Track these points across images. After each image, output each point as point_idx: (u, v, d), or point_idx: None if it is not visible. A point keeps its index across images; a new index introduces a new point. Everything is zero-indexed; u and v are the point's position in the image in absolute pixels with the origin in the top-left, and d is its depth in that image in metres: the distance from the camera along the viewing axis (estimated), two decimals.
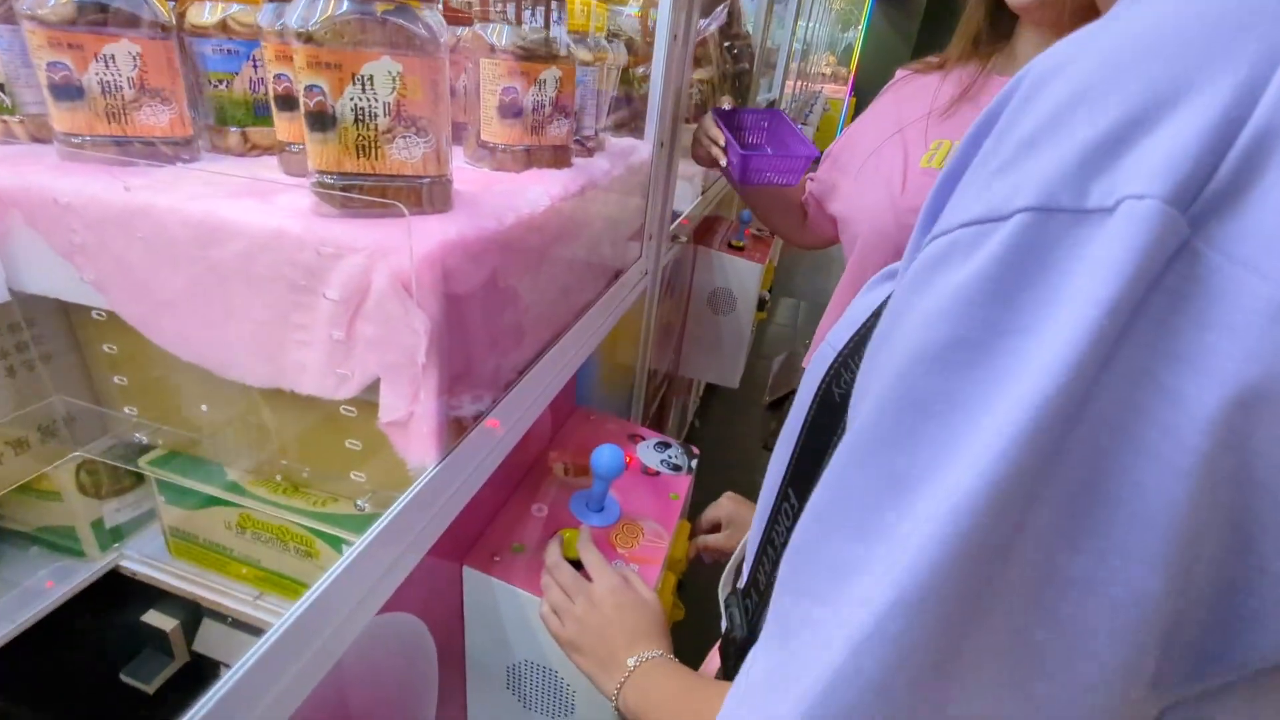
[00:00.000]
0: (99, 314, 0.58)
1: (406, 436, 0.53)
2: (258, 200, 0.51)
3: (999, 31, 0.82)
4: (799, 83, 3.87)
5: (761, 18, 2.17)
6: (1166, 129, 0.19)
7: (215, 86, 0.63)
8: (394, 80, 0.46)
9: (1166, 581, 0.19)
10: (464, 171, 0.69)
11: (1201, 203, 0.18)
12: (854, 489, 0.24)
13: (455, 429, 0.57)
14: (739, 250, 1.77)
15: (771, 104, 2.61)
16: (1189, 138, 0.18)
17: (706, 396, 2.80)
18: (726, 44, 1.86)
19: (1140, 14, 0.22)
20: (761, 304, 1.84)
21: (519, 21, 0.66)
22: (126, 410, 0.64)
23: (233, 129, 0.65)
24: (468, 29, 0.68)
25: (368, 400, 0.53)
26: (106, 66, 0.53)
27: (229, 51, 0.62)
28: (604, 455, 0.73)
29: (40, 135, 0.61)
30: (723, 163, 1.05)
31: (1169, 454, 0.18)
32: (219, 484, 0.65)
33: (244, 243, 0.49)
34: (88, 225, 0.52)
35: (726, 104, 1.78)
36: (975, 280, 0.21)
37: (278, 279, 0.50)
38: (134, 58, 0.54)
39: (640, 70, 1.17)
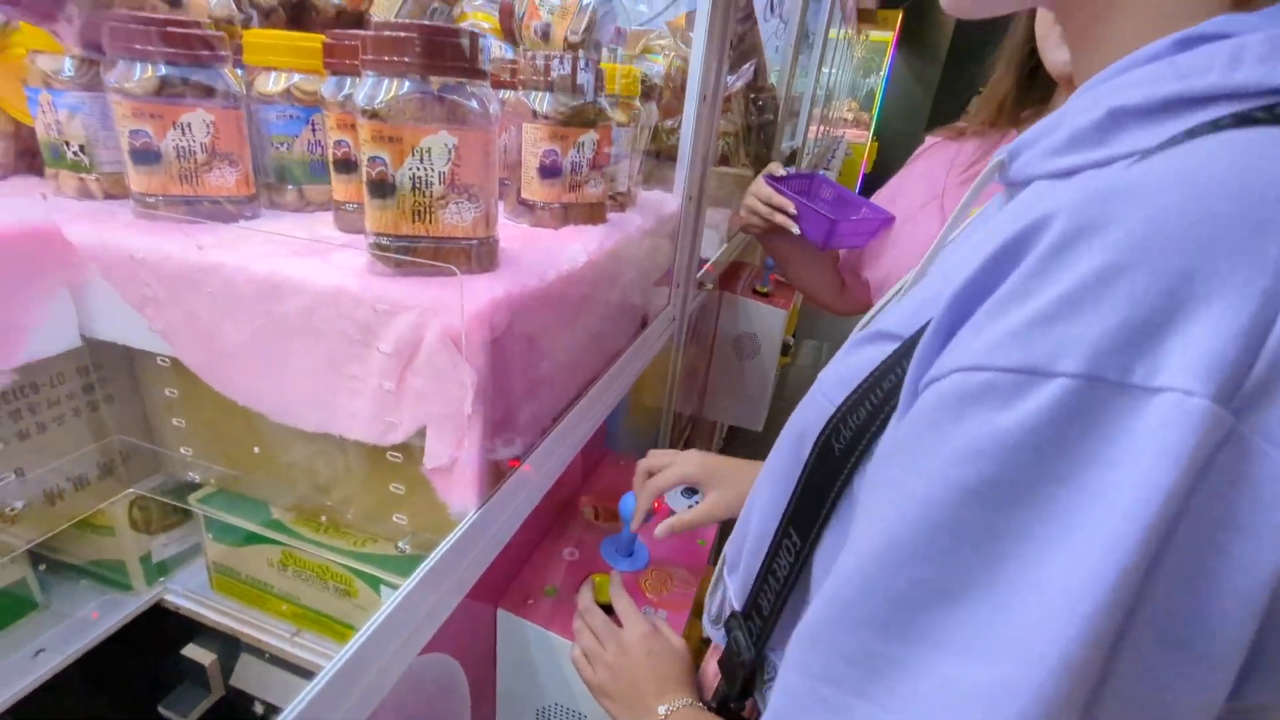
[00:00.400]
0: (163, 360, 0.61)
1: (449, 482, 0.55)
2: (318, 259, 0.55)
3: (1029, 98, 0.83)
4: (821, 128, 3.94)
5: (787, 68, 2.23)
6: (1202, 325, 0.22)
7: (277, 148, 0.67)
8: (449, 152, 0.50)
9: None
10: (506, 227, 0.72)
11: (1241, 397, 0.21)
12: (887, 593, 0.26)
13: (494, 474, 0.59)
14: (764, 296, 1.79)
15: (793, 152, 2.66)
16: (1226, 339, 0.21)
17: (730, 439, 2.80)
18: (752, 96, 1.92)
19: (1171, 182, 0.24)
20: (785, 349, 1.85)
21: (560, 88, 0.70)
22: (182, 450, 0.67)
23: (290, 186, 0.69)
24: (511, 93, 0.73)
25: (413, 445, 0.56)
26: (183, 133, 0.58)
27: (291, 117, 0.66)
28: (632, 502, 0.74)
29: (113, 192, 0.66)
30: (794, 230, 1.04)
31: (1232, 608, 0.22)
32: (263, 522, 0.68)
33: (306, 299, 0.52)
34: (160, 279, 0.56)
35: (745, 154, 1.82)
36: (1020, 430, 0.23)
37: (335, 333, 0.53)
38: (208, 125, 0.58)
39: (669, 123, 1.22)
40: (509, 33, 0.97)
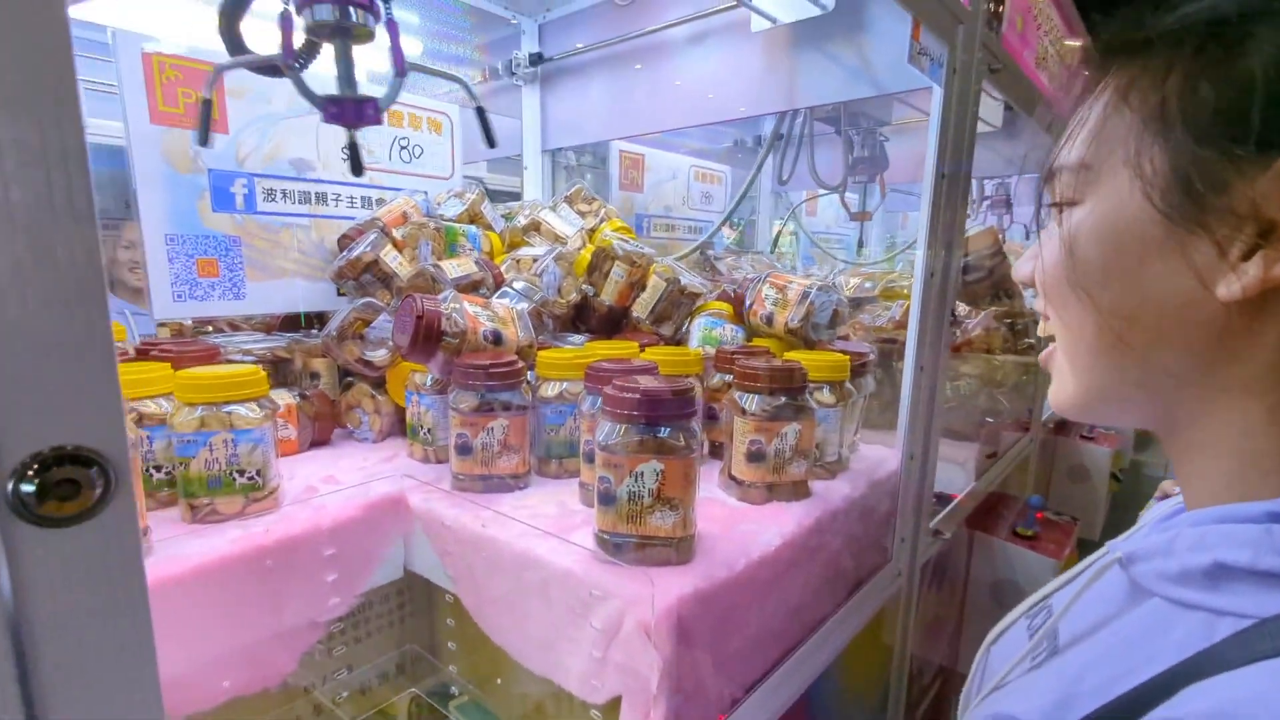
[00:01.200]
0: (449, 597, 0.81)
1: None
2: (559, 540, 0.71)
3: None
4: None
5: None
6: None
7: (549, 434, 0.89)
8: (657, 475, 0.63)
9: None
10: (712, 504, 0.83)
11: None
12: None
13: None
14: (1028, 540, 1.61)
15: None
16: None
17: None
18: (1008, 321, 1.86)
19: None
20: None
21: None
22: (450, 668, 0.85)
23: (554, 460, 0.90)
24: (730, 394, 0.87)
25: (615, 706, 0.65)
26: (489, 433, 0.81)
27: (560, 412, 0.88)
28: None
29: (442, 459, 0.93)
30: None
31: None
32: None
33: (545, 573, 0.68)
34: (456, 541, 0.77)
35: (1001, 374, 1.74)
36: None
37: (563, 603, 0.67)
38: (504, 428, 0.82)
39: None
40: (740, 317, 1.16)
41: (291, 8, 0.62)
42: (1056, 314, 0.41)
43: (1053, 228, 0.40)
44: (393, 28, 0.66)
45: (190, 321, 1.24)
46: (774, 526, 0.77)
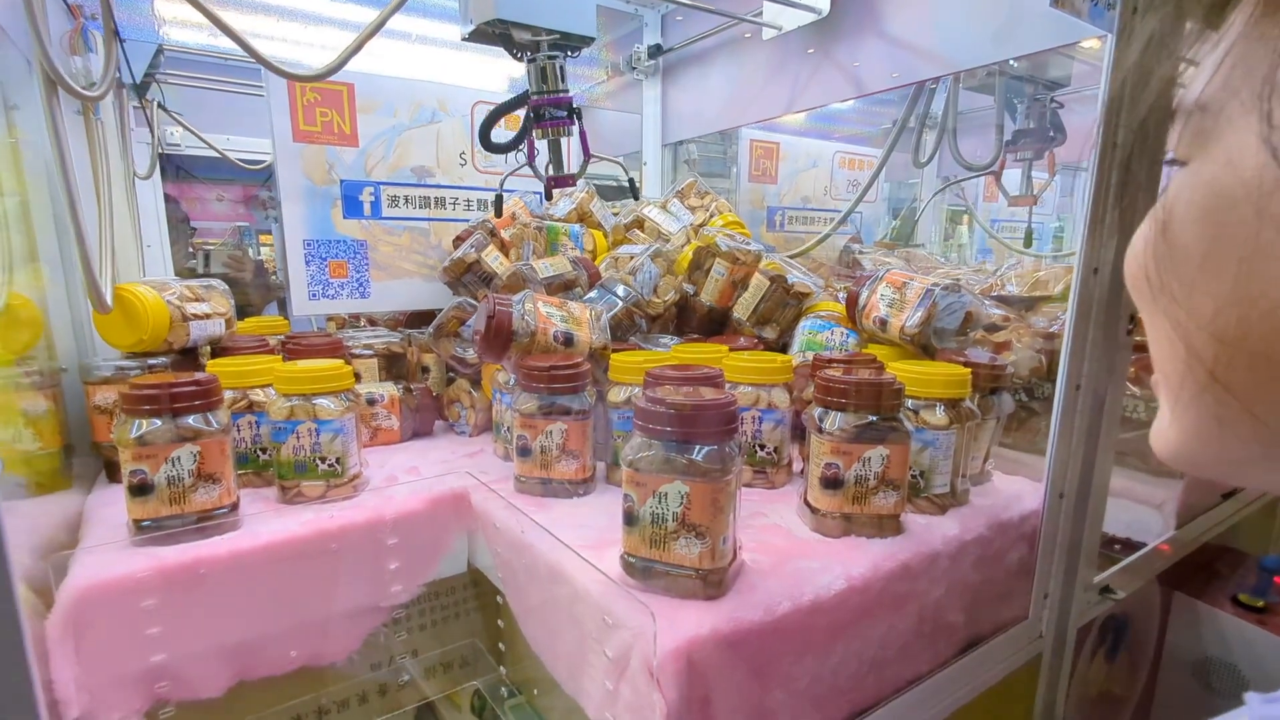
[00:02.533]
0: (501, 599, 0.81)
1: None
2: (593, 553, 0.67)
3: None
4: None
5: None
6: None
7: (616, 439, 0.85)
8: (682, 498, 0.57)
9: None
10: (777, 531, 0.74)
11: None
12: None
13: None
14: (1256, 613, 1.25)
15: None
16: None
17: None
18: None
19: None
20: None
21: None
22: (501, 669, 0.85)
23: (619, 467, 0.86)
24: (809, 408, 0.77)
25: None
26: (547, 438, 0.80)
27: (627, 417, 0.84)
28: None
29: (509, 456, 0.93)
30: None
31: None
32: None
33: (570, 590, 0.64)
34: (504, 545, 0.76)
35: None
36: None
37: (584, 623, 0.63)
38: (563, 432, 0.79)
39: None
40: (853, 319, 1.03)
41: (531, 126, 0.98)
42: (1150, 324, 0.29)
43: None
44: (583, 134, 1.00)
45: (346, 317, 1.39)
46: (840, 566, 0.66)
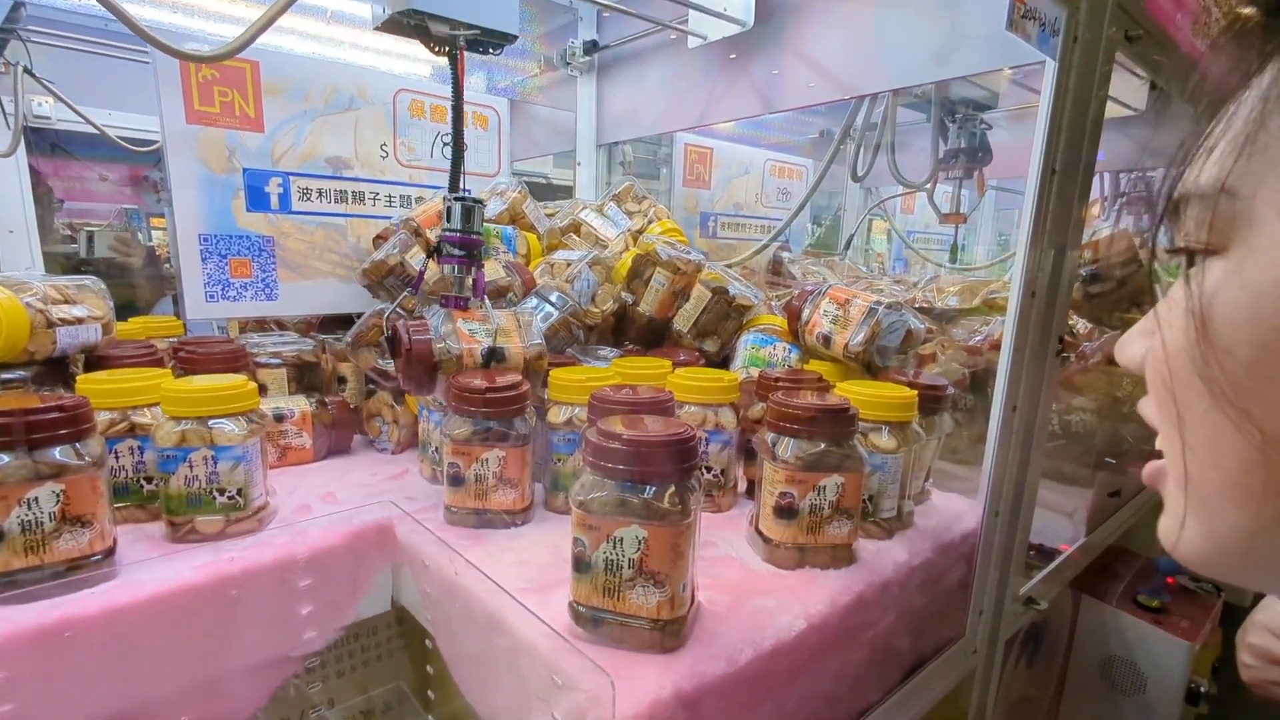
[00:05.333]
0: (430, 643, 0.74)
1: None
2: (537, 598, 0.61)
3: None
4: None
5: None
6: None
7: (557, 464, 0.80)
8: (639, 543, 0.52)
9: None
10: (730, 564, 0.71)
11: None
12: None
13: None
14: (1154, 613, 1.34)
15: None
16: None
17: None
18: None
19: None
20: (1194, 697, 1.32)
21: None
22: (430, 718, 0.78)
23: (561, 493, 0.80)
24: (761, 432, 0.74)
25: None
26: (483, 465, 0.73)
27: (569, 440, 0.78)
28: None
29: (436, 478, 0.85)
30: None
31: None
32: None
33: (512, 642, 0.58)
34: (433, 584, 0.69)
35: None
36: None
37: (528, 679, 0.57)
38: (500, 459, 0.73)
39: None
40: (795, 334, 1.01)
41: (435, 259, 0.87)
42: (1173, 425, 0.26)
43: (1177, 290, 0.25)
44: (480, 277, 0.88)
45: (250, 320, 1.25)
46: (798, 605, 0.63)
